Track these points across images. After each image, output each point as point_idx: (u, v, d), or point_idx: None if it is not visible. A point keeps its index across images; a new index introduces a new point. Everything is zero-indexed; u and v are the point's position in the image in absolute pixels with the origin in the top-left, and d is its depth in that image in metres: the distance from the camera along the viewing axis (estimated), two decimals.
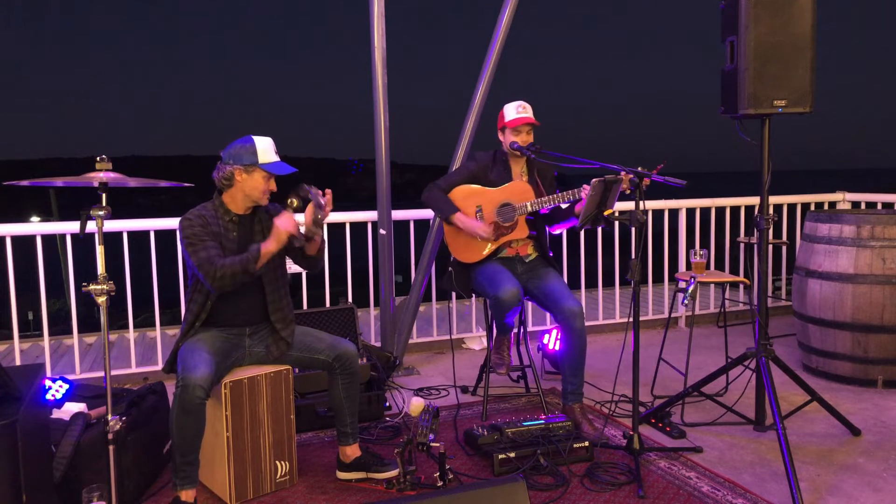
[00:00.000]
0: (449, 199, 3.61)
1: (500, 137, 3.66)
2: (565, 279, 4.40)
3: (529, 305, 4.95)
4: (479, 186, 3.63)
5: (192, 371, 2.57)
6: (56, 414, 2.88)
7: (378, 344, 4.69)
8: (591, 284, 5.60)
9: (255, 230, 2.87)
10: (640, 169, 3.02)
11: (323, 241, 2.93)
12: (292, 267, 3.12)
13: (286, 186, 2.84)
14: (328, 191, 2.80)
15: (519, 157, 3.65)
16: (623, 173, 3.06)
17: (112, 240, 4.01)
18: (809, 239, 4.24)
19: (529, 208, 3.54)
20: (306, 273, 4.52)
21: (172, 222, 3.06)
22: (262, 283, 2.86)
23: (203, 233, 2.73)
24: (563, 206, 3.56)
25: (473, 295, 3.87)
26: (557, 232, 3.79)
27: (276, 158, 2.82)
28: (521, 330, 3.92)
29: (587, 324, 3.47)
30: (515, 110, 3.58)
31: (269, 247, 2.71)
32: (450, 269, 3.73)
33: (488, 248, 3.60)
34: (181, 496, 2.64)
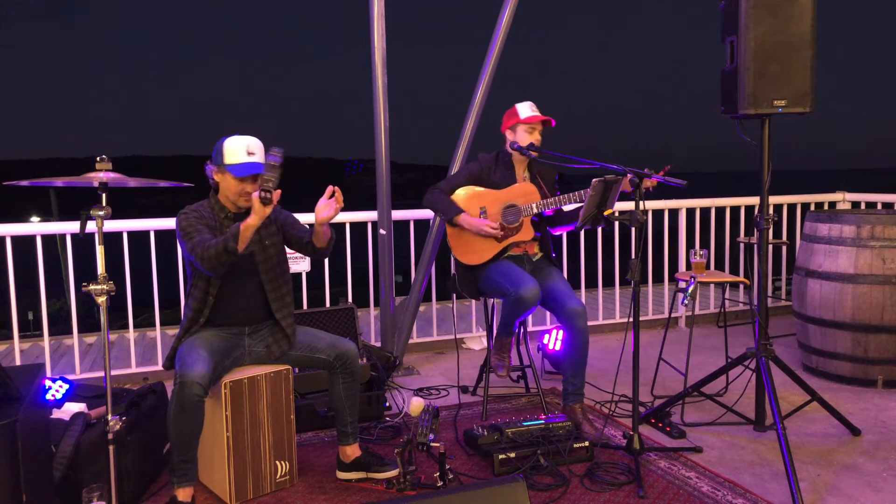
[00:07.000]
0: (452, 200, 3.57)
1: (509, 136, 3.59)
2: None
3: None
4: (482, 188, 3.61)
5: (190, 368, 2.57)
6: (56, 414, 2.88)
7: (378, 344, 4.69)
8: (591, 284, 5.59)
9: None
10: (645, 170, 3.02)
11: (331, 231, 2.86)
12: (293, 267, 3.10)
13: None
14: (337, 189, 2.69)
15: (522, 159, 3.63)
16: (626, 175, 3.06)
17: (112, 240, 4.01)
18: (809, 239, 4.24)
19: (535, 210, 3.52)
20: (306, 273, 4.53)
21: (172, 222, 3.06)
22: (262, 281, 2.86)
23: (198, 223, 2.74)
24: (567, 208, 3.55)
25: (482, 297, 3.74)
26: (557, 233, 3.78)
27: (245, 159, 2.70)
28: (522, 330, 3.91)
29: (587, 324, 3.47)
30: (530, 108, 3.54)
31: (249, 221, 2.54)
32: (454, 272, 3.71)
33: (494, 249, 3.58)
34: (178, 494, 2.63)
